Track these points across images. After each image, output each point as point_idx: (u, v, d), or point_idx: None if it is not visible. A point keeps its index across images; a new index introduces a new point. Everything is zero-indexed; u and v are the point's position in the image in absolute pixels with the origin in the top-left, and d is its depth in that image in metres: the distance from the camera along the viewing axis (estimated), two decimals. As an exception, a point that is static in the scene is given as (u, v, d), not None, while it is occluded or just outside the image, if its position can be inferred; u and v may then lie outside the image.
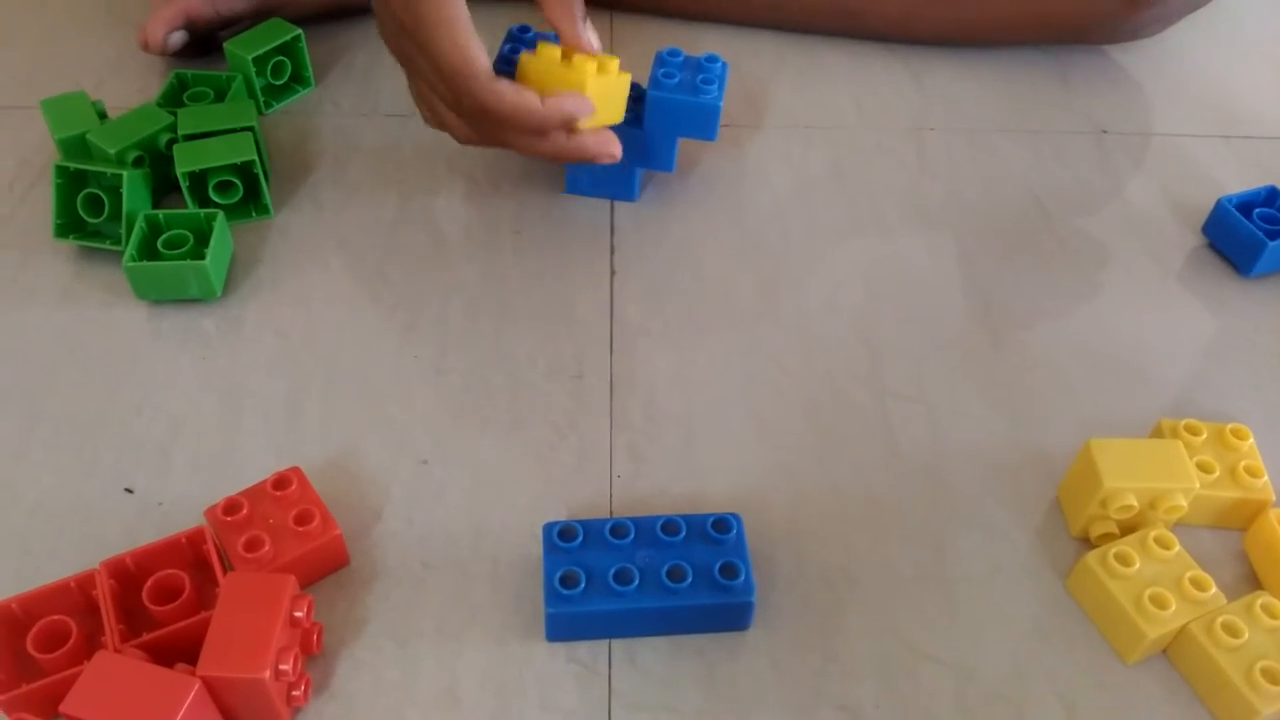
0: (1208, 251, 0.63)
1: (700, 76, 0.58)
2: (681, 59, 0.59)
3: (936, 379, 0.55)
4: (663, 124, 0.59)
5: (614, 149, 0.56)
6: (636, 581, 0.43)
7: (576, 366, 0.55)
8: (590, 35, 0.55)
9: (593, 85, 0.53)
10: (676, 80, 0.58)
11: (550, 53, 0.54)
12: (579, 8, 0.55)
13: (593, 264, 0.60)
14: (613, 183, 0.62)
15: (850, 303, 0.59)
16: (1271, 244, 0.60)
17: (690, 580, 0.43)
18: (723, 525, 0.45)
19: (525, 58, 0.54)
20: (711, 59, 0.59)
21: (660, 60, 0.59)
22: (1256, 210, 0.62)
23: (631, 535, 0.45)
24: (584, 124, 0.54)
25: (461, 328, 0.56)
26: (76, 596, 0.42)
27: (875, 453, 0.52)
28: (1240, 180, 0.68)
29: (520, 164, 0.65)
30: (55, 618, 0.41)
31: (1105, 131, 0.72)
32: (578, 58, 0.54)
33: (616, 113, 0.57)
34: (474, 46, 0.51)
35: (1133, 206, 0.66)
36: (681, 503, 0.49)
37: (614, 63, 0.55)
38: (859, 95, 0.73)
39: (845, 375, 0.55)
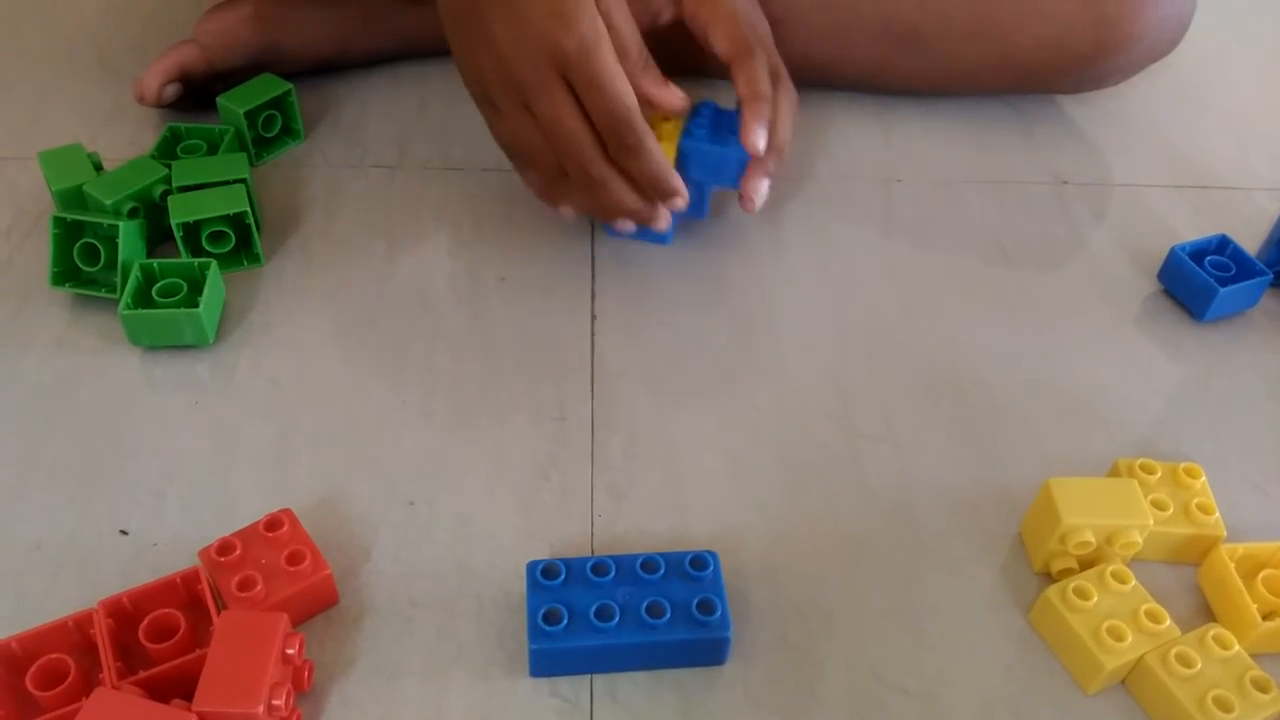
0: (1163, 297, 0.66)
1: (729, 124, 0.60)
2: (713, 109, 0.62)
3: (905, 420, 0.57)
4: (694, 173, 0.60)
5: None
6: (617, 618, 0.45)
7: (559, 409, 0.56)
8: (675, 92, 0.58)
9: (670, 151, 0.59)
10: (706, 131, 0.60)
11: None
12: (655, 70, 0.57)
13: (575, 309, 0.62)
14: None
15: (822, 346, 0.61)
16: (1223, 290, 0.62)
17: (669, 616, 0.45)
18: (700, 563, 0.47)
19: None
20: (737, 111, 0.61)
21: (696, 111, 0.61)
22: (1208, 258, 0.65)
23: (612, 573, 0.46)
24: None
25: (447, 372, 0.58)
26: (74, 635, 0.43)
27: (846, 491, 0.54)
28: (1193, 229, 0.71)
29: (502, 212, 0.67)
30: (54, 656, 0.42)
31: (1066, 182, 0.75)
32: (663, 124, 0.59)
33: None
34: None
35: (1092, 254, 0.69)
36: (660, 541, 0.51)
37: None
38: (829, 147, 0.76)
39: (818, 416, 0.57)
